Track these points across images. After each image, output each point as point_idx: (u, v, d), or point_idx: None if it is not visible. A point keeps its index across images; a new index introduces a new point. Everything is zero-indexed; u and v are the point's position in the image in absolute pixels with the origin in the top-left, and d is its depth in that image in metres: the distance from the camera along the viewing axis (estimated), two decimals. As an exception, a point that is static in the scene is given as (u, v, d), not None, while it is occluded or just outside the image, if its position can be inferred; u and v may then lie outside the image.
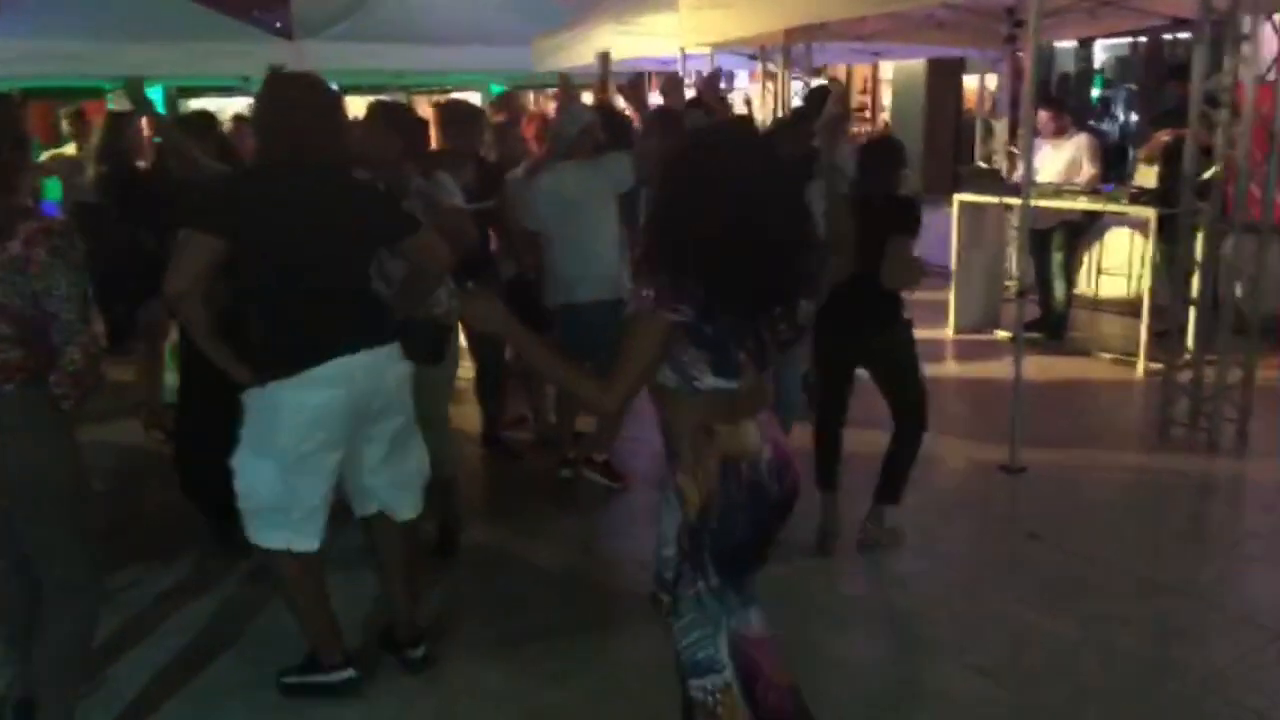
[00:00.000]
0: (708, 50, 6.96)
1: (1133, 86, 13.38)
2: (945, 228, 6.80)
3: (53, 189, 7.86)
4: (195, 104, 18.44)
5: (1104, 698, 2.85)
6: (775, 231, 1.95)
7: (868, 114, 15.18)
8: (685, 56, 7.05)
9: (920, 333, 3.76)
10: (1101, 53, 14.02)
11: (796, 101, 7.74)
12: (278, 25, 12.07)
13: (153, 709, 2.85)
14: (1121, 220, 6.88)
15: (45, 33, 7.71)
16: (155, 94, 14.81)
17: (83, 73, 8.73)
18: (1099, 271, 7.54)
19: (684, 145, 2.18)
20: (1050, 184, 6.43)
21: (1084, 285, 7.45)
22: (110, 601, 3.06)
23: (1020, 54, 7.30)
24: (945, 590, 3.51)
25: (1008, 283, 7.04)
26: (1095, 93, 13.93)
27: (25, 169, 2.41)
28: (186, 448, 3.83)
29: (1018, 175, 6.29)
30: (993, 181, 6.86)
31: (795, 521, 2.08)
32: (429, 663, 3.00)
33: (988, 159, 8.08)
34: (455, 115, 4.33)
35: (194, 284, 2.51)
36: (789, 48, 6.82)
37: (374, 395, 2.69)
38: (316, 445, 2.62)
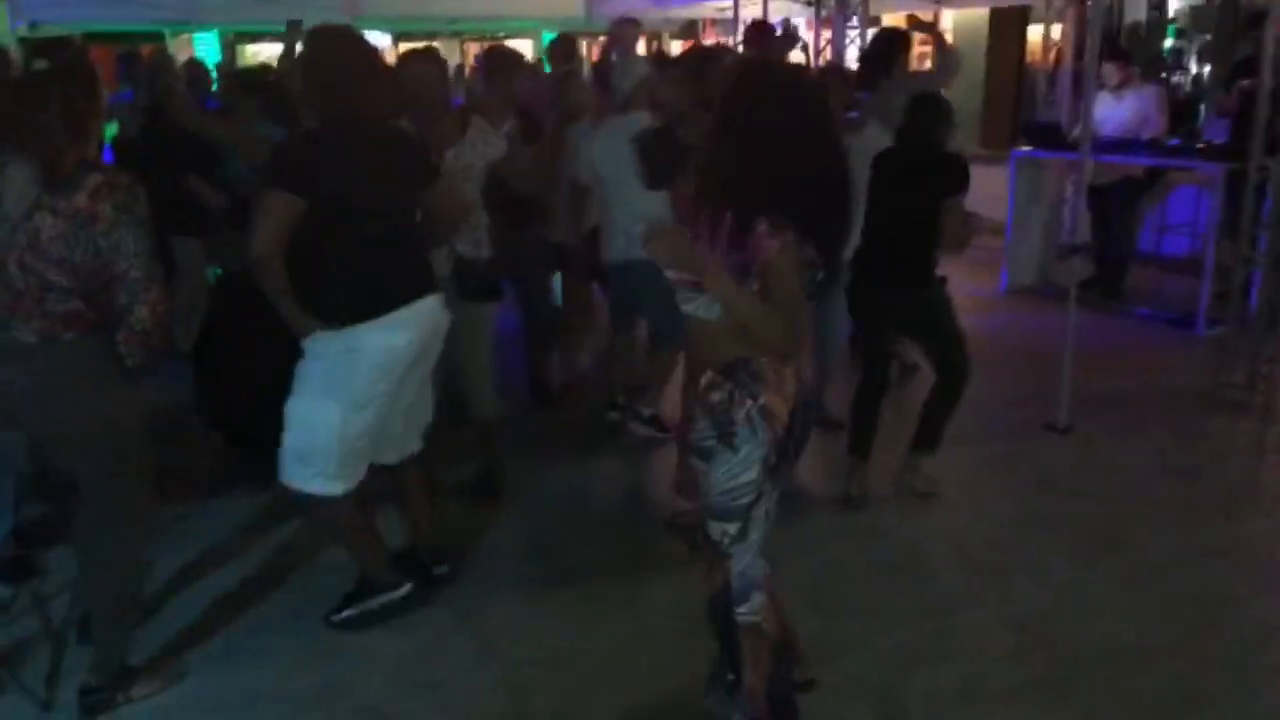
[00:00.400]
0: (760, -3, 6.81)
1: (1207, 37, 12.81)
2: (1003, 183, 6.64)
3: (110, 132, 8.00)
4: (252, 49, 18.64)
5: (1140, 655, 2.82)
6: (840, 171, 2.11)
7: (929, 65, 14.81)
8: (738, 2, 6.91)
9: (972, 288, 3.70)
10: (1175, 1, 13.42)
11: (852, 49, 7.59)
12: (333, -30, 12.03)
13: (205, 637, 2.96)
14: (1187, 177, 6.65)
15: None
16: (211, 39, 15.00)
17: (142, 17, 8.83)
18: (1161, 229, 7.32)
19: (755, 83, 2.13)
20: (1113, 138, 6.22)
21: (1145, 243, 7.23)
22: (163, 535, 3.19)
23: (1087, 2, 7.04)
24: (982, 544, 3.48)
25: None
26: (1168, 43, 13.36)
27: (98, 116, 2.41)
28: (211, 386, 3.96)
29: (1079, 129, 6.10)
30: (1052, 136, 6.66)
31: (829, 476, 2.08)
32: (451, 579, 3.15)
33: (1049, 110, 7.85)
34: (495, 63, 4.28)
35: (277, 245, 2.56)
36: (845, -6, 6.66)
37: (434, 339, 2.85)
38: (387, 386, 2.74)
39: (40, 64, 2.49)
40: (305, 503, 2.83)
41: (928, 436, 3.72)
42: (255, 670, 2.80)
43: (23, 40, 8.65)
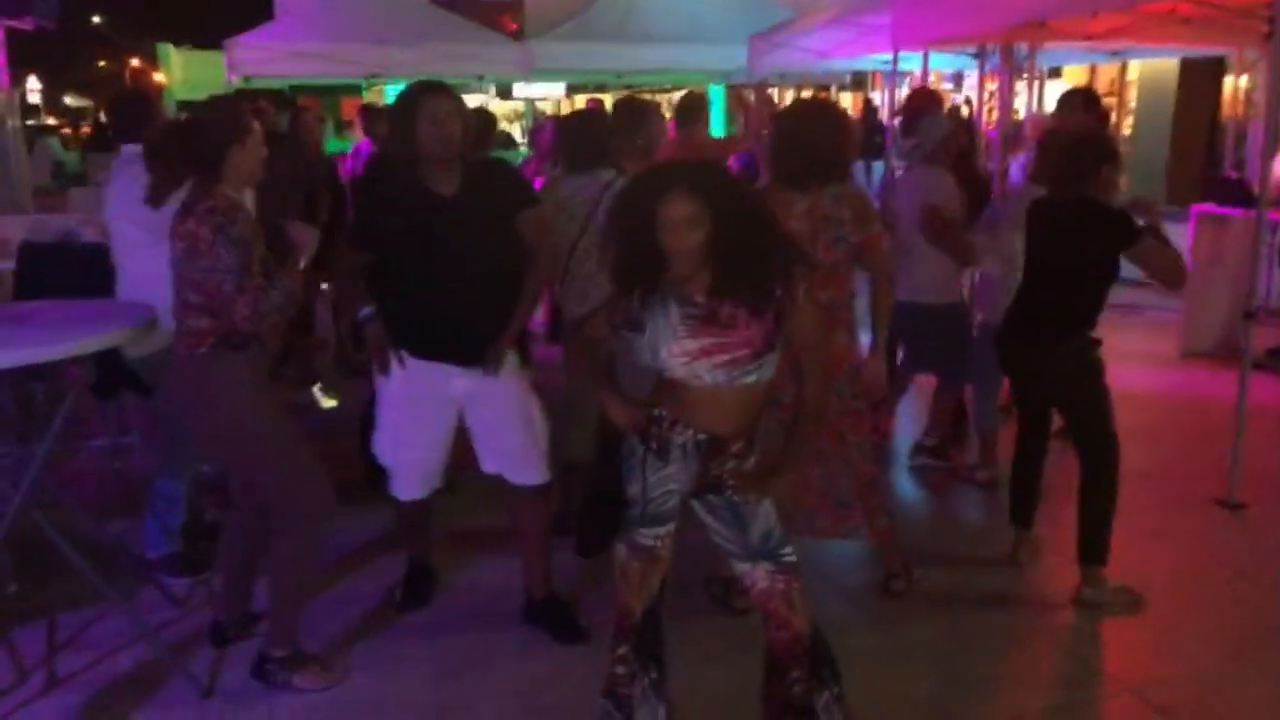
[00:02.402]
0: (921, 50, 6.75)
1: None
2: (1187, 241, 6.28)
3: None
4: (437, 101, 19.85)
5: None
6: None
7: (1113, 119, 14.17)
8: (897, 56, 6.88)
9: (1146, 348, 3.51)
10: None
11: (1019, 104, 7.40)
12: (513, 27, 12.80)
13: (347, 645, 3.16)
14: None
15: (307, 37, 8.60)
16: (400, 91, 16.14)
17: (341, 72, 9.61)
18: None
19: None
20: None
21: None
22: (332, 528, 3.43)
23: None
24: (1133, 623, 3.28)
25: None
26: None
27: (236, 160, 2.65)
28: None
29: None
30: (1238, 193, 6.26)
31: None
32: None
33: (1239, 167, 7.37)
34: (629, 113, 4.13)
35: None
36: (1010, 47, 6.50)
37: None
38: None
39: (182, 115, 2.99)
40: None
41: (1090, 547, 3.33)
42: (388, 674, 2.97)
43: (239, 92, 9.64)
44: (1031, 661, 3.04)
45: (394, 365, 2.95)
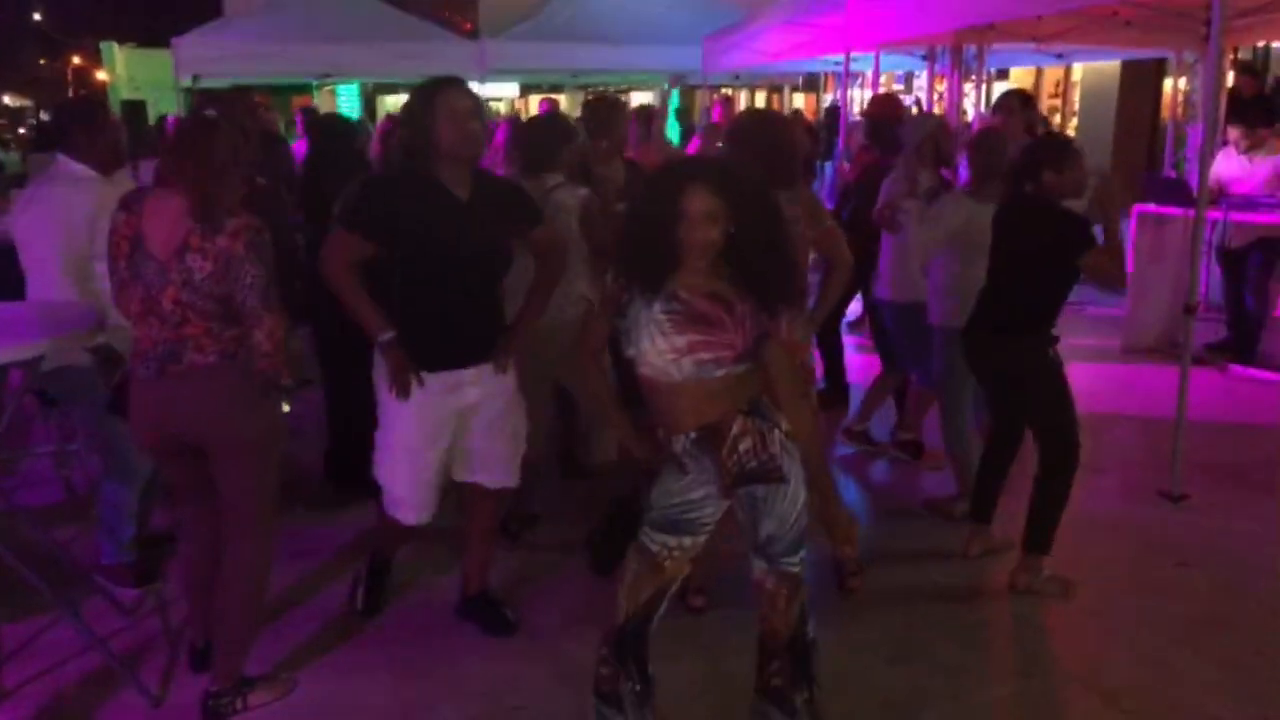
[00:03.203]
0: (873, 51, 6.85)
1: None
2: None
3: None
4: (391, 100, 19.70)
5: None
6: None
7: (1058, 120, 14.46)
8: (849, 57, 6.97)
9: (1089, 345, 3.60)
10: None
11: (968, 104, 7.54)
12: (467, 26, 12.72)
13: (309, 651, 3.12)
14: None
15: (257, 36, 8.48)
16: (353, 91, 15.97)
17: (291, 71, 9.49)
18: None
19: None
20: (1243, 197, 5.97)
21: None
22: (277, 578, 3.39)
23: (1231, 55, 6.81)
24: (1077, 610, 3.37)
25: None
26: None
27: (238, 169, 2.60)
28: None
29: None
30: (1177, 193, 6.43)
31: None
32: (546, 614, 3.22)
33: (1178, 167, 7.58)
34: (597, 111, 4.36)
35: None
36: (959, 49, 6.62)
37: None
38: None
39: (211, 113, 2.73)
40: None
41: (1037, 536, 3.41)
42: (351, 683, 2.94)
43: (187, 90, 9.46)
44: (984, 652, 3.11)
45: (413, 387, 2.80)
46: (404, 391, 2.78)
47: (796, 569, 2.27)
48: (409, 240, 2.67)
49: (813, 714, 2.36)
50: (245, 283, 2.48)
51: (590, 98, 5.38)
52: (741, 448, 2.19)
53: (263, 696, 2.80)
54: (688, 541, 2.29)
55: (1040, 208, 3.32)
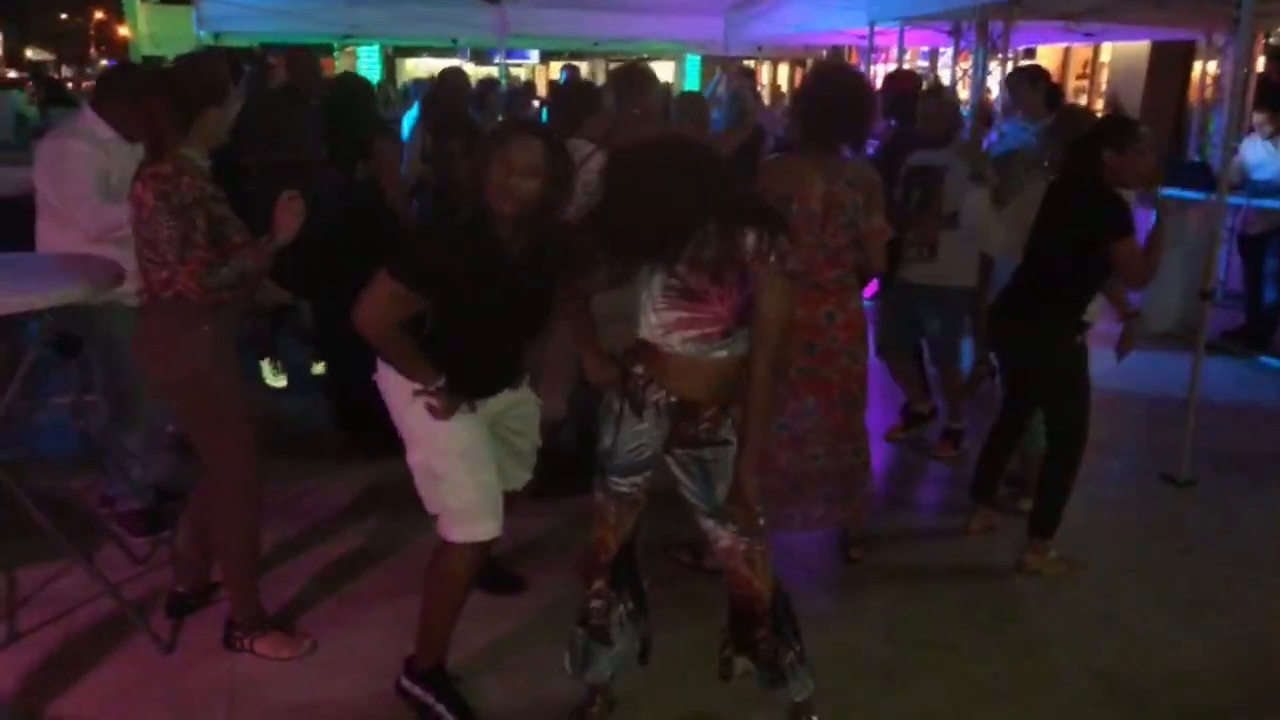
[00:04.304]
0: (895, 26, 6.77)
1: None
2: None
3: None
4: (410, 63, 19.60)
5: (1219, 716, 2.71)
6: None
7: (1084, 101, 14.27)
8: (873, 31, 6.89)
9: (1105, 330, 3.59)
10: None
11: (993, 82, 7.44)
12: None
13: (308, 605, 3.18)
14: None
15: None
16: (374, 52, 15.90)
17: (312, 31, 9.46)
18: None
19: None
20: (1266, 183, 5.91)
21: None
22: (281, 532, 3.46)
23: (1268, 38, 6.70)
24: (1079, 590, 3.38)
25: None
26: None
27: (210, 123, 2.62)
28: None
29: (1235, 172, 5.83)
30: (1200, 177, 6.36)
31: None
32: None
33: (1203, 152, 7.49)
34: (628, 78, 4.13)
35: None
36: (985, 25, 6.53)
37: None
38: None
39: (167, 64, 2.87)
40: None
41: (1042, 519, 3.42)
42: (356, 640, 2.99)
43: (208, 48, 9.45)
44: (982, 631, 3.12)
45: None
46: (449, 414, 2.46)
47: (761, 523, 2.32)
48: (456, 296, 2.40)
49: (808, 669, 2.40)
50: (161, 235, 2.49)
51: (617, 65, 5.22)
52: (702, 427, 2.31)
53: (272, 647, 2.86)
54: (648, 474, 2.37)
55: (1087, 187, 3.21)
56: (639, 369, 2.27)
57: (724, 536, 2.33)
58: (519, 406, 2.71)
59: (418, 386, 2.41)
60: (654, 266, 2.18)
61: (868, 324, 3.32)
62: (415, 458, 2.52)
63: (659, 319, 2.19)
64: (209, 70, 2.71)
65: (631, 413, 2.29)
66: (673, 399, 2.26)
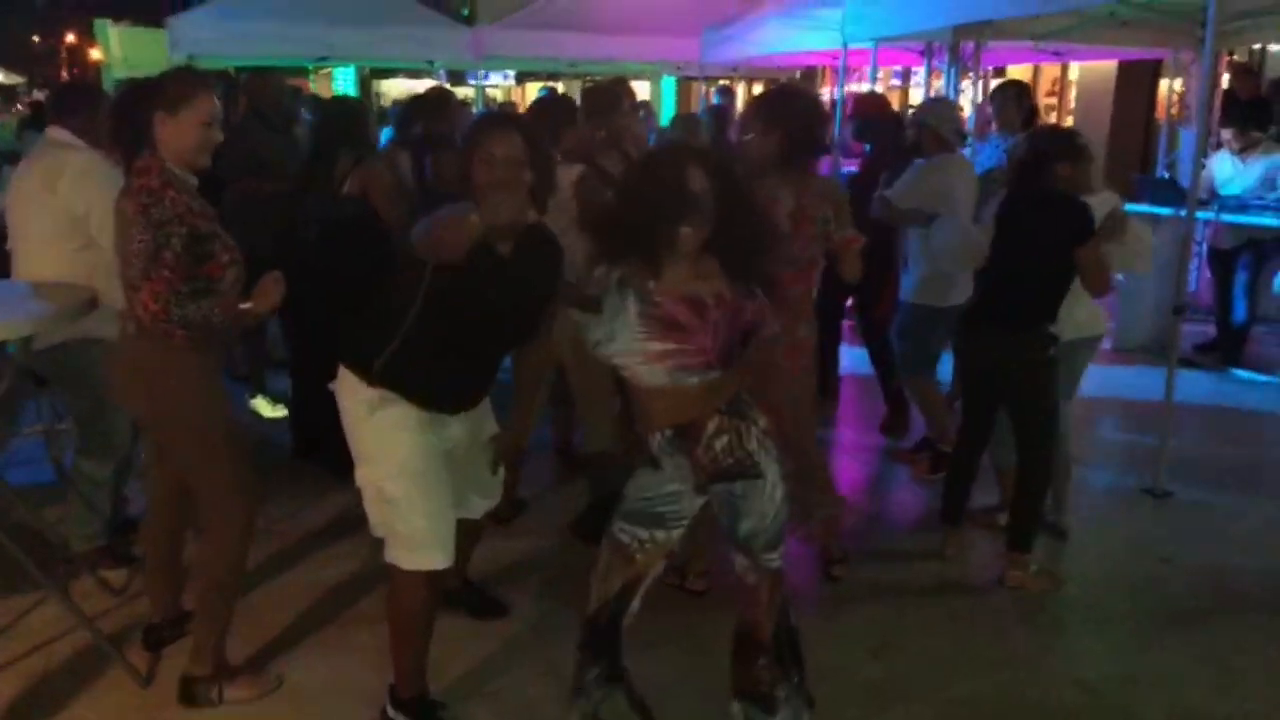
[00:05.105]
0: (870, 45, 6.85)
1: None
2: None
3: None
4: (386, 84, 19.58)
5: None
6: None
7: (1054, 118, 14.46)
8: (846, 51, 6.97)
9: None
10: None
11: (965, 101, 7.53)
12: (464, 12, 12.63)
13: (292, 632, 3.14)
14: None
15: (254, 16, 8.42)
16: (349, 74, 15.88)
17: (287, 54, 9.43)
18: (1289, 295, 6.97)
19: None
20: (1234, 198, 6.01)
21: (1269, 309, 6.91)
22: (267, 536, 3.40)
23: (1229, 56, 6.82)
24: (1062, 604, 3.41)
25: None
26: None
27: (164, 134, 2.51)
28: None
29: (1203, 188, 5.93)
30: (1169, 193, 6.46)
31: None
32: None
33: (1171, 168, 7.60)
34: (594, 98, 4.17)
35: None
36: (957, 46, 6.62)
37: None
38: None
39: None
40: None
41: (1019, 533, 3.45)
42: (335, 663, 2.96)
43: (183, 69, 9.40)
44: (966, 645, 3.13)
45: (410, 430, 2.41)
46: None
47: (777, 564, 2.29)
48: (444, 299, 2.32)
49: (804, 696, 2.39)
50: (132, 247, 2.42)
51: (589, 85, 5.20)
52: (718, 445, 2.20)
53: (242, 691, 2.76)
54: (660, 535, 2.30)
55: (1051, 196, 3.30)
56: (637, 425, 2.27)
57: (739, 567, 2.30)
58: (479, 432, 2.64)
59: (373, 396, 2.36)
60: (630, 291, 2.15)
61: (814, 351, 3.31)
62: (365, 476, 2.44)
63: (643, 349, 2.15)
64: (169, 79, 2.58)
65: (651, 466, 2.28)
66: (668, 433, 2.24)
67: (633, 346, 2.17)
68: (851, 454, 4.82)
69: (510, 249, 2.37)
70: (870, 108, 5.29)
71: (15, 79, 40.69)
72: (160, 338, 2.48)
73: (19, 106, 15.54)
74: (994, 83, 9.87)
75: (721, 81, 10.94)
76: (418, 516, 2.39)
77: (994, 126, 5.43)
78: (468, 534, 2.90)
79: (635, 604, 2.36)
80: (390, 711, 2.59)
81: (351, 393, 2.42)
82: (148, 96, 2.54)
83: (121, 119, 2.58)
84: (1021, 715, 2.79)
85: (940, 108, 4.46)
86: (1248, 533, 3.99)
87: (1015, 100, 5.03)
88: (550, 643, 3.06)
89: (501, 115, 2.59)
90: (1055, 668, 3.02)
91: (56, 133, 3.35)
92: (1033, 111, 5.14)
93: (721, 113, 7.08)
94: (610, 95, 4.17)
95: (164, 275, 2.42)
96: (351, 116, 4.39)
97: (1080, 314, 3.57)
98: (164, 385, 2.55)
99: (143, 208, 2.42)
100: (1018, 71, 13.12)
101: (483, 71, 11.60)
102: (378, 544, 3.36)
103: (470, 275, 2.24)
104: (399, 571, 2.44)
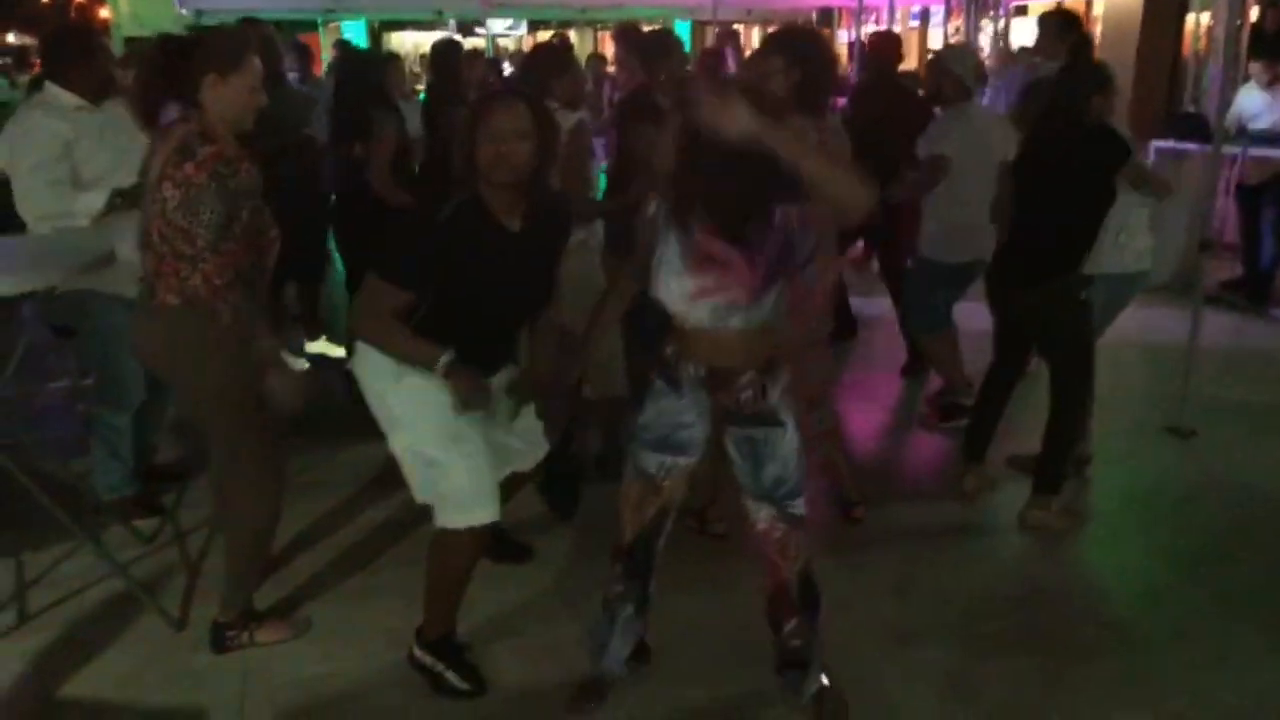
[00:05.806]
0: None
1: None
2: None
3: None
4: (396, 36, 19.37)
5: (1222, 668, 2.73)
6: None
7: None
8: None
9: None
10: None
11: (984, 40, 7.38)
12: (473, -40, 12.36)
13: (324, 579, 3.18)
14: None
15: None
16: (359, 27, 15.71)
17: (296, 6, 9.33)
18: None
19: None
20: (1262, 132, 5.87)
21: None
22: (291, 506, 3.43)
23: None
24: (1084, 546, 3.40)
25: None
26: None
27: (212, 96, 2.46)
28: None
29: (1228, 121, 5.78)
30: (1196, 128, 6.32)
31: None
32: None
33: (1198, 103, 7.43)
34: (655, 47, 4.01)
35: None
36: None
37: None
38: None
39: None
40: None
41: (1046, 474, 3.44)
42: (366, 609, 3.01)
43: (190, 28, 9.32)
44: (987, 584, 3.14)
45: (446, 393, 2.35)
46: (478, 405, 2.37)
47: (801, 511, 2.30)
48: (455, 284, 2.33)
49: (819, 660, 2.42)
50: (202, 219, 2.34)
51: (625, 28, 4.96)
52: (742, 396, 2.25)
53: (271, 634, 2.81)
54: (682, 461, 2.32)
55: (1086, 128, 3.25)
56: (670, 348, 2.28)
57: (762, 520, 2.32)
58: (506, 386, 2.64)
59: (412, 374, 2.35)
60: (671, 227, 2.14)
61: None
62: (401, 443, 2.46)
63: (682, 287, 2.15)
64: (221, 39, 2.52)
65: (670, 389, 2.29)
66: (703, 370, 2.25)
67: (675, 286, 2.16)
68: (871, 398, 4.80)
69: (519, 221, 2.38)
70: (884, 46, 5.17)
71: (26, 40, 40.53)
72: (208, 313, 2.43)
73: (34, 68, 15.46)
74: (1015, 22, 9.65)
75: (734, 26, 10.76)
76: (460, 474, 2.41)
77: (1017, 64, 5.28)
78: (515, 485, 2.87)
79: (668, 526, 2.40)
80: (417, 652, 2.64)
81: (374, 364, 2.42)
82: (186, 54, 2.45)
83: (152, 77, 2.49)
84: (1042, 653, 2.79)
85: (962, 53, 4.39)
86: (1271, 473, 3.95)
87: (1059, 31, 4.79)
88: (573, 587, 3.10)
89: (507, 88, 2.52)
90: (1077, 607, 3.02)
91: (52, 93, 3.23)
92: (1082, 41, 4.86)
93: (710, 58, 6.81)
94: (661, 43, 4.10)
95: (230, 249, 2.40)
96: (360, 71, 4.34)
97: (1141, 243, 3.61)
98: (206, 360, 2.49)
99: (219, 175, 2.34)
100: (1040, 8, 12.82)
101: (494, 19, 11.42)
102: (399, 490, 3.40)
103: (479, 260, 2.29)
104: (449, 533, 2.46)
